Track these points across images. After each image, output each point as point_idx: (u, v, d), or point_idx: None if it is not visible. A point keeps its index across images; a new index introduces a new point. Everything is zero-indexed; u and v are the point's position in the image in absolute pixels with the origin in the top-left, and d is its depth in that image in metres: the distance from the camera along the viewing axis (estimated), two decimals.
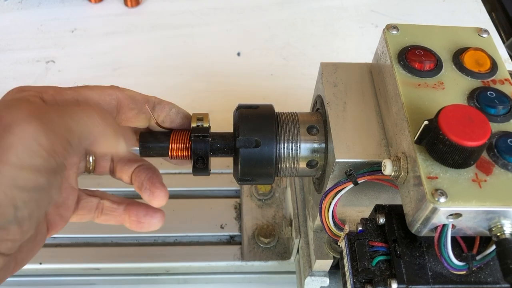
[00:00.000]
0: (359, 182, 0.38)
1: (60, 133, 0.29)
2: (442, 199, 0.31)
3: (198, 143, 0.40)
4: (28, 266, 0.55)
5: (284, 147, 0.41)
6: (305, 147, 0.42)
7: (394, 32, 0.41)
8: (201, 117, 0.41)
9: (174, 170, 0.64)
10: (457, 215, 0.31)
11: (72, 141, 0.30)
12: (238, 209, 0.61)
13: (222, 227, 0.60)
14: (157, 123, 0.40)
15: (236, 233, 0.59)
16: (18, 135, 0.27)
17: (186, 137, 0.41)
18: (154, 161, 0.63)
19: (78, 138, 0.31)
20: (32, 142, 0.27)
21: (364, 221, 0.38)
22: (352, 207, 0.44)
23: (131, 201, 0.43)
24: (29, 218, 0.28)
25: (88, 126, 0.32)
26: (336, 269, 0.49)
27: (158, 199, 0.41)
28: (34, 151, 0.27)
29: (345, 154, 0.38)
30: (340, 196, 0.39)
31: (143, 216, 0.42)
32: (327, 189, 0.40)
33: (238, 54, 0.83)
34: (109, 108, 0.38)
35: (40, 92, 0.34)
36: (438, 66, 0.39)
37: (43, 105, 0.31)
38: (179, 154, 0.41)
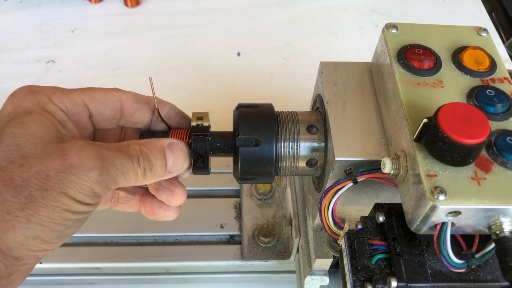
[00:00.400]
0: (358, 180, 0.38)
1: (108, 185, 0.34)
2: (442, 197, 0.31)
3: (198, 142, 0.40)
4: None
5: (283, 146, 0.41)
6: (305, 146, 0.42)
7: (394, 31, 0.41)
8: (201, 116, 0.41)
9: None
10: (457, 213, 0.31)
11: (114, 188, 0.35)
12: (238, 208, 0.61)
13: (222, 227, 0.60)
14: (159, 113, 0.40)
15: (236, 232, 0.59)
16: (80, 179, 0.32)
17: (186, 136, 0.41)
18: None
19: (118, 186, 0.36)
20: (88, 188, 0.32)
21: (363, 219, 0.38)
22: (351, 206, 0.44)
23: (147, 191, 0.43)
24: (69, 235, 0.34)
25: (129, 180, 0.36)
26: (336, 268, 0.49)
27: (177, 198, 0.41)
28: (87, 194, 0.33)
29: (344, 153, 0.39)
30: (340, 195, 0.39)
31: (157, 208, 0.43)
32: (326, 187, 0.40)
33: (238, 54, 0.83)
34: (114, 109, 0.40)
35: (49, 95, 0.37)
36: (437, 65, 0.39)
37: (103, 152, 0.34)
38: None
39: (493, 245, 0.33)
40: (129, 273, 0.58)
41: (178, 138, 0.41)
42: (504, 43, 0.90)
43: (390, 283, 0.34)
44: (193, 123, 0.41)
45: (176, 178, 0.42)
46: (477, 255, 0.34)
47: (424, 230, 0.33)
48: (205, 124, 0.41)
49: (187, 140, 0.41)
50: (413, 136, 0.33)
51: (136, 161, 0.35)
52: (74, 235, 0.57)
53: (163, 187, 0.41)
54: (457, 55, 0.40)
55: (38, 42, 0.83)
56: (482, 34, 0.42)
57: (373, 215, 0.38)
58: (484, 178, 0.32)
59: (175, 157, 0.38)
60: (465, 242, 0.35)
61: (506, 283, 0.34)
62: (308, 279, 0.49)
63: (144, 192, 0.43)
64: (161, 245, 0.59)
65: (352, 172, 0.38)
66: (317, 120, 0.42)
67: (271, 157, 0.41)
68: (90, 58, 0.81)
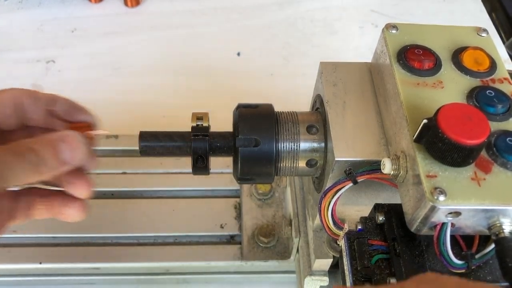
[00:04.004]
0: (358, 181, 0.38)
1: None
2: (442, 198, 0.31)
3: (198, 142, 0.40)
4: (28, 266, 0.56)
5: (283, 146, 0.41)
6: (305, 146, 0.42)
7: (394, 31, 0.41)
8: (200, 116, 0.41)
9: (174, 170, 0.64)
10: (456, 213, 0.31)
11: (4, 185, 0.34)
12: (238, 208, 0.61)
13: (222, 227, 0.60)
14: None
15: (236, 232, 0.59)
16: None
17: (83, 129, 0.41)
18: (154, 160, 0.64)
19: (9, 183, 0.35)
20: None
21: (363, 220, 0.38)
22: (351, 206, 0.44)
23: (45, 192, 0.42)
24: None
25: (19, 175, 0.35)
26: (335, 269, 0.49)
27: (80, 189, 0.41)
28: None
29: (344, 153, 0.39)
30: (340, 195, 0.39)
31: (60, 206, 0.42)
32: (326, 188, 0.40)
33: (238, 54, 0.83)
34: (8, 106, 0.40)
35: None
36: (437, 65, 0.39)
37: None
38: None
39: (493, 245, 0.33)
40: (129, 273, 0.58)
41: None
42: (504, 43, 0.90)
43: (390, 284, 0.34)
44: (193, 123, 0.41)
45: (79, 170, 0.41)
46: (477, 256, 0.34)
47: (424, 230, 0.33)
48: (205, 124, 0.41)
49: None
50: (413, 136, 0.33)
51: (22, 156, 0.35)
52: (75, 235, 0.58)
53: (65, 181, 0.41)
54: (457, 56, 0.40)
55: (38, 42, 0.83)
56: (482, 35, 0.42)
57: (373, 216, 0.38)
58: (484, 179, 0.32)
59: (71, 148, 0.37)
60: (465, 242, 0.35)
61: (506, 284, 0.34)
62: (308, 279, 0.49)
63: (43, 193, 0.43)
64: (161, 245, 0.59)
65: (352, 172, 0.38)
66: (317, 121, 0.42)
67: (271, 158, 0.41)
68: (90, 58, 0.81)
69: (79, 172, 0.41)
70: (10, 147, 0.35)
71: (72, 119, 0.42)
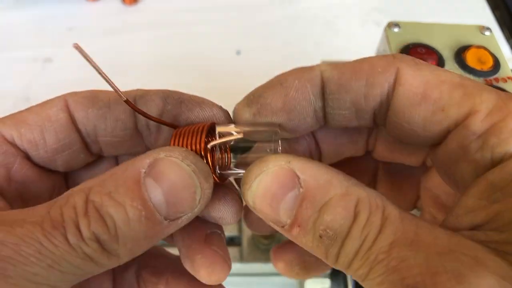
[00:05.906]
0: None
1: None
2: None
3: None
4: None
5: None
6: None
7: (396, 29, 0.40)
8: None
9: None
10: None
11: None
12: None
13: None
14: (133, 107, 0.26)
15: (236, 234, 0.59)
16: None
17: (198, 135, 0.26)
18: None
19: None
20: None
21: None
22: None
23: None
24: None
25: (73, 272, 0.20)
26: (337, 271, 0.48)
27: (204, 270, 0.26)
28: None
29: None
30: None
31: None
32: None
33: (238, 52, 0.82)
34: (62, 130, 0.25)
35: None
36: (440, 64, 0.38)
37: None
38: None
39: None
40: None
41: (186, 143, 0.24)
42: (507, 41, 0.89)
43: None
44: None
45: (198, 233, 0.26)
46: None
47: None
48: None
49: (200, 144, 0.24)
50: None
51: (74, 232, 0.18)
52: None
53: (183, 256, 0.26)
54: (460, 54, 0.39)
55: (34, 41, 0.82)
56: (486, 33, 0.41)
57: None
58: None
59: (169, 187, 0.20)
60: None
61: None
62: (309, 282, 0.49)
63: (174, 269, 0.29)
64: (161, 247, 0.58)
65: None
66: None
67: None
68: None
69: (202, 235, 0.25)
70: (51, 211, 0.19)
71: (181, 120, 0.24)
